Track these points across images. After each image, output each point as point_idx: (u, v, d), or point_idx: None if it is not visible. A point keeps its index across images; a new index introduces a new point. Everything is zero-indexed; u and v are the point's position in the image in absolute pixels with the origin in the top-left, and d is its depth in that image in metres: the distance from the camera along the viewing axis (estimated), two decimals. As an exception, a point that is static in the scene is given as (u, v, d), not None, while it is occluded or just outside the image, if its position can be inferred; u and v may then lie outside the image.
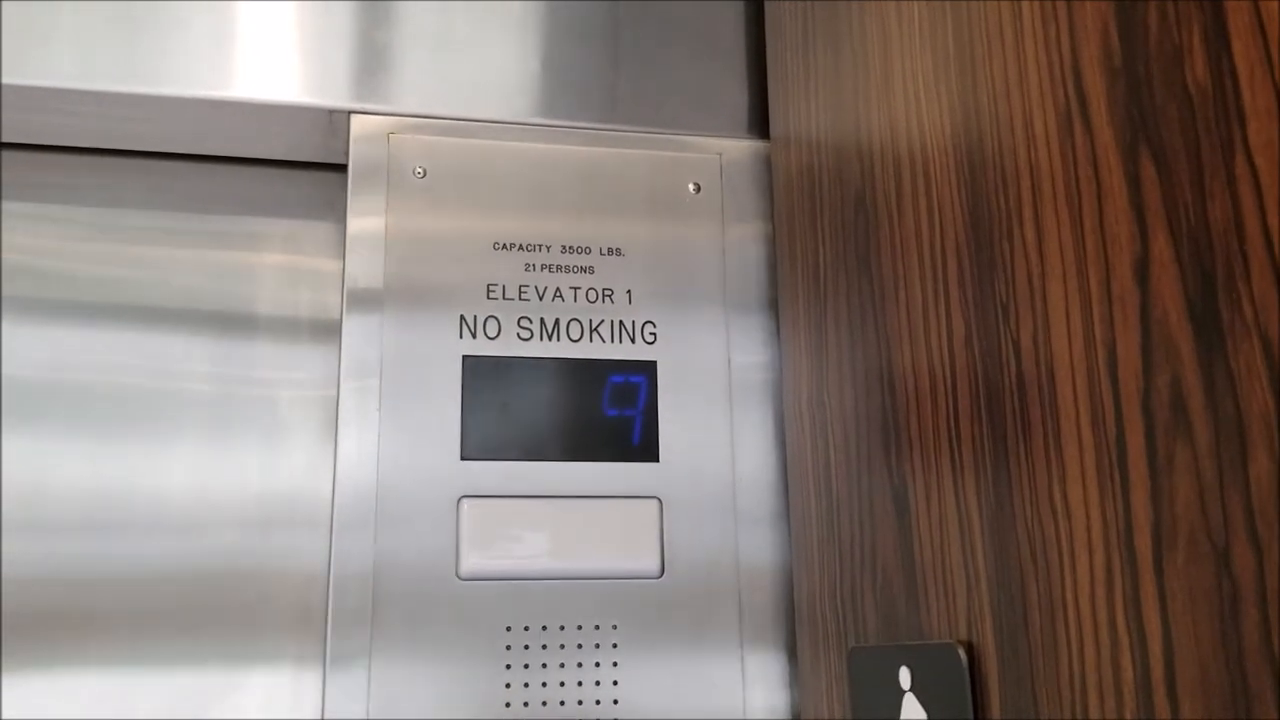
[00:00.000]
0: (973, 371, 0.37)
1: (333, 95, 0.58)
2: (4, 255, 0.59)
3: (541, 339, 0.57)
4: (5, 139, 0.61)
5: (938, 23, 0.40)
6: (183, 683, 0.55)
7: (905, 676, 0.39)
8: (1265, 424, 0.24)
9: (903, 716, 0.39)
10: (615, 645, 0.53)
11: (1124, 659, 0.28)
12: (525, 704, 0.51)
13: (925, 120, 0.41)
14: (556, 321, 0.57)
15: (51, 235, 0.61)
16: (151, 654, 0.55)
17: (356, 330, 0.55)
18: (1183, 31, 0.28)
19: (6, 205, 0.60)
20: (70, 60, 0.56)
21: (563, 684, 0.52)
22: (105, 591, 0.55)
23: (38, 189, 0.61)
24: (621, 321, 0.58)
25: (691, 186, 0.61)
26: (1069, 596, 0.31)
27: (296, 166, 0.63)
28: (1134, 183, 0.29)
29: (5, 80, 0.55)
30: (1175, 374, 0.27)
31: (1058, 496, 0.31)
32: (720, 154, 0.62)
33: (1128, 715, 0.28)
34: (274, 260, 0.62)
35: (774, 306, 0.59)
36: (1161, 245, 0.28)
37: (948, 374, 0.38)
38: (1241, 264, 0.25)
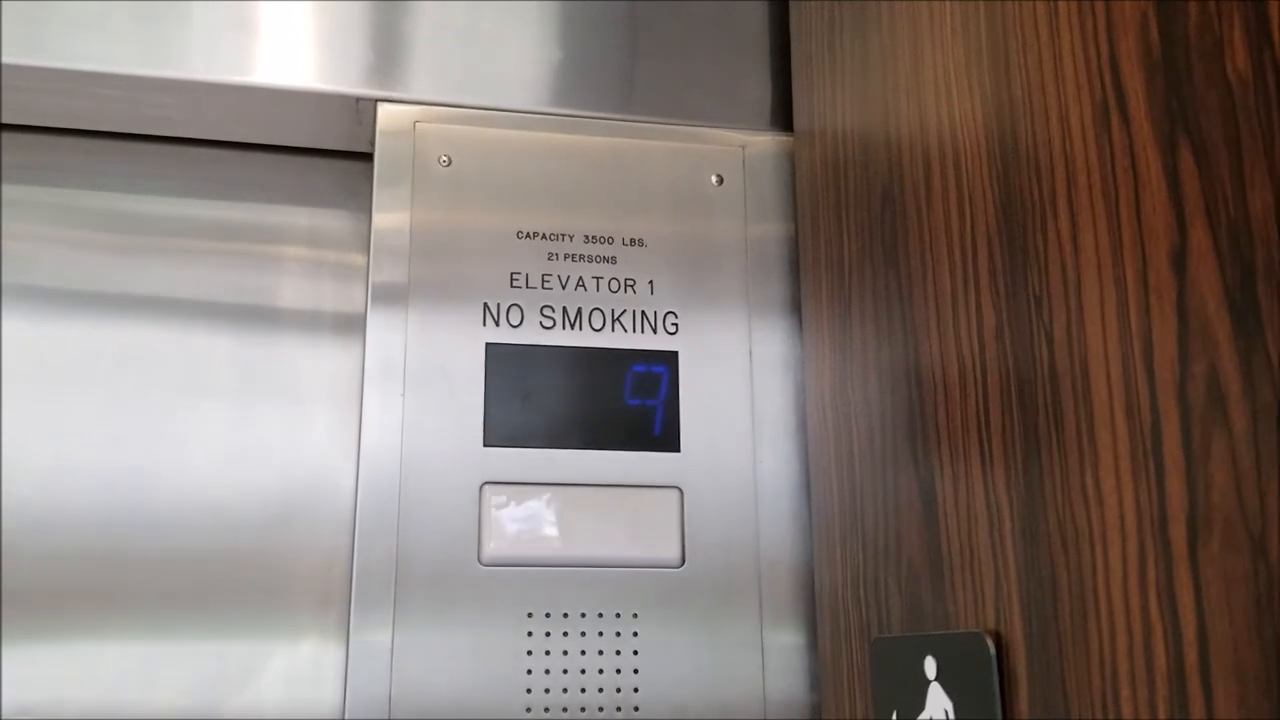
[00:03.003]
0: (1004, 363, 0.37)
1: (359, 83, 0.58)
2: (20, 241, 0.60)
3: (564, 328, 0.57)
4: (25, 121, 0.61)
5: (970, 15, 0.40)
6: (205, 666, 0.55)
7: (931, 666, 0.39)
8: (1305, 412, 0.24)
9: (928, 707, 0.39)
10: (635, 634, 0.53)
11: (1157, 646, 0.29)
12: (546, 690, 0.51)
13: (956, 112, 0.41)
14: (579, 311, 0.57)
15: (68, 220, 0.61)
16: (173, 633, 0.55)
17: (381, 317, 0.55)
18: (1223, 23, 0.28)
19: (23, 190, 0.60)
20: (92, 42, 0.56)
21: (583, 671, 0.52)
22: (126, 572, 0.56)
23: (55, 173, 0.61)
24: (643, 312, 0.58)
25: (714, 178, 0.61)
26: (1100, 585, 0.31)
27: (321, 154, 0.63)
28: (1172, 174, 0.29)
29: (26, 61, 0.55)
30: (1212, 363, 0.27)
31: (1090, 486, 0.32)
32: (743, 146, 0.62)
33: (1160, 702, 0.28)
34: (298, 247, 0.62)
35: (796, 298, 0.59)
36: (1200, 235, 0.28)
37: (978, 365, 0.38)
38: (1282, 254, 0.25)
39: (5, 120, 0.60)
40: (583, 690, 0.52)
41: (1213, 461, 0.27)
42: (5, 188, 0.60)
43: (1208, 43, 0.28)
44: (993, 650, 0.36)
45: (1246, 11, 0.27)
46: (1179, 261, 0.29)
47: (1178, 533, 0.28)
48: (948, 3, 0.42)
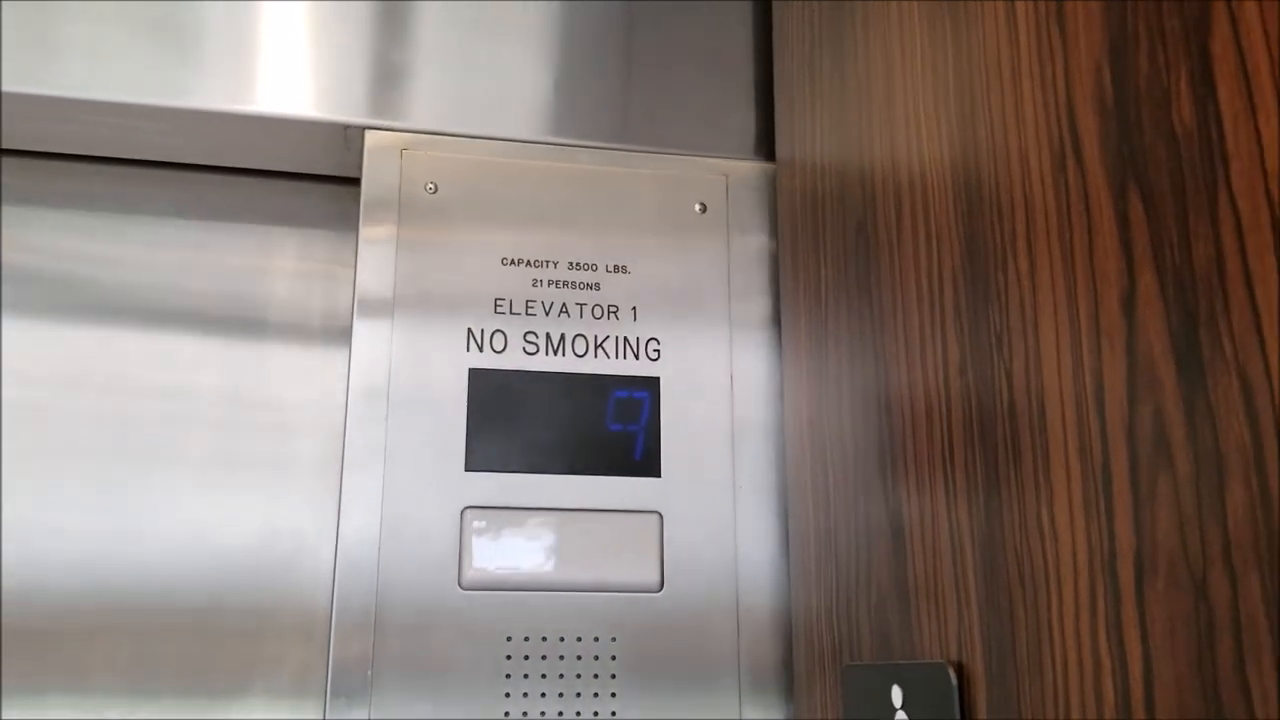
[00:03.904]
0: (966, 398, 0.37)
1: (348, 111, 0.59)
2: (21, 260, 0.61)
3: (547, 353, 0.58)
4: (26, 147, 0.62)
5: (939, 56, 0.41)
6: (188, 680, 0.56)
7: (897, 695, 0.40)
8: (1243, 457, 0.25)
9: (893, 733, 0.40)
10: (614, 657, 0.53)
11: (1106, 682, 0.29)
12: (524, 713, 0.52)
13: (925, 150, 0.42)
14: (562, 336, 0.58)
15: (68, 243, 0.62)
16: (156, 651, 0.56)
17: (366, 341, 0.56)
18: (1171, 75, 0.28)
19: (24, 212, 0.62)
20: (92, 71, 0.57)
21: (561, 695, 0.52)
22: (115, 591, 0.56)
23: (56, 197, 0.62)
24: (626, 338, 0.59)
25: (698, 206, 0.62)
26: (1055, 620, 0.32)
27: (311, 180, 0.64)
28: (1123, 220, 0.30)
29: (27, 89, 0.57)
30: (1158, 406, 0.28)
31: (1046, 522, 0.32)
32: (727, 175, 0.63)
33: (1108, 737, 0.29)
34: (287, 271, 0.63)
35: (777, 326, 0.60)
36: (1148, 281, 0.29)
37: (943, 399, 0.39)
38: (1222, 301, 0.26)
39: (6, 146, 0.61)
40: (560, 713, 0.52)
41: (1158, 503, 0.28)
42: (6, 210, 0.61)
43: (1157, 93, 0.29)
44: (954, 681, 0.36)
45: (1193, 65, 0.28)
46: (1129, 305, 0.29)
47: (1126, 571, 0.29)
48: (919, 43, 0.43)
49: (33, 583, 0.56)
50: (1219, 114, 0.27)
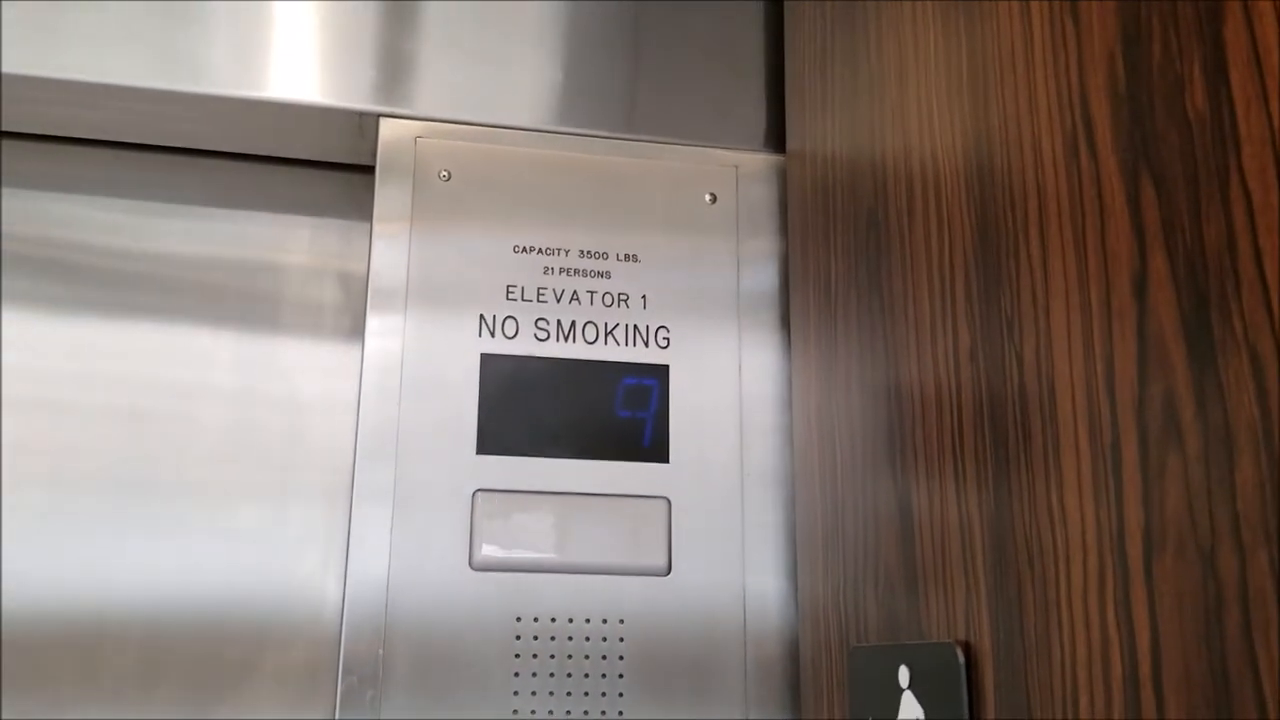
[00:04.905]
0: (977, 383, 0.38)
1: (363, 99, 0.60)
2: (22, 248, 0.61)
3: (558, 340, 0.58)
4: (37, 131, 0.62)
5: (952, 47, 0.42)
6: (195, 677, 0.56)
7: (904, 675, 0.40)
8: (1252, 434, 0.26)
9: (901, 714, 0.40)
10: (622, 639, 0.54)
11: (1114, 657, 0.30)
12: (533, 693, 0.52)
13: (938, 140, 0.42)
14: (573, 323, 0.59)
15: (74, 229, 0.62)
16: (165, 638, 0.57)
17: (379, 326, 0.57)
18: (1184, 62, 0.29)
19: (34, 197, 0.62)
20: (105, 56, 0.58)
21: (570, 675, 0.53)
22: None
23: (68, 182, 0.63)
24: (636, 325, 0.59)
25: (708, 197, 0.62)
26: (1063, 598, 0.32)
27: (325, 167, 0.65)
28: (1135, 204, 0.30)
29: (33, 72, 0.57)
30: (1169, 386, 0.28)
31: (1055, 503, 0.33)
32: (737, 166, 0.63)
33: (1116, 711, 0.30)
34: (301, 258, 0.64)
35: (786, 315, 0.61)
36: (1159, 263, 0.29)
37: (953, 385, 0.40)
38: (1233, 282, 0.27)
39: (23, 130, 0.62)
40: (569, 694, 0.53)
41: (1167, 480, 0.28)
42: (7, 194, 0.62)
43: (1170, 80, 0.30)
44: (962, 660, 0.37)
45: (1205, 53, 0.28)
46: (1140, 287, 0.30)
47: (1134, 549, 0.29)
48: (932, 34, 0.43)
49: (34, 596, 0.56)
50: (1231, 100, 0.27)
